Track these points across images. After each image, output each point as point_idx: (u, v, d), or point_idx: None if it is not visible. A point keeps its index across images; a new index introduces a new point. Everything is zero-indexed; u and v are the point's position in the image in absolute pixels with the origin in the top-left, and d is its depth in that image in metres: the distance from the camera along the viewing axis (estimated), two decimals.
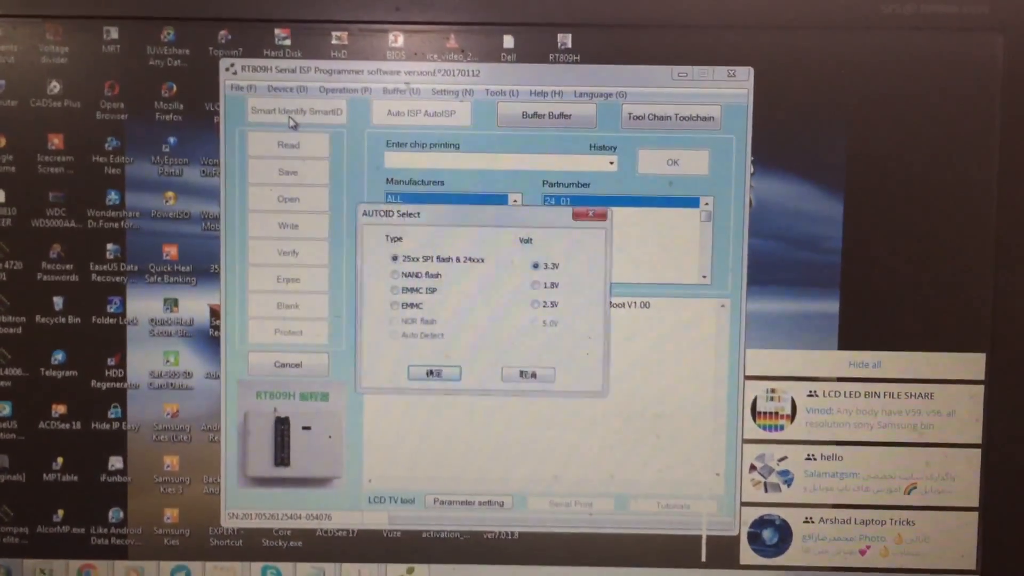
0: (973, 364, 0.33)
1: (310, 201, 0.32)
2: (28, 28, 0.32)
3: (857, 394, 0.33)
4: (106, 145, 0.32)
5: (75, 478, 0.33)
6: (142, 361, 0.33)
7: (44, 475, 0.33)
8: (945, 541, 0.33)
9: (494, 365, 0.33)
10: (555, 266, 0.32)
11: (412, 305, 0.32)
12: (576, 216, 0.32)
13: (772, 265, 0.32)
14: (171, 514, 0.33)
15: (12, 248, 0.32)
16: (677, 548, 0.33)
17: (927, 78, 0.32)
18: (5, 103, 0.32)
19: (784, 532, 0.33)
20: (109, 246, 0.32)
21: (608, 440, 0.33)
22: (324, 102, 0.32)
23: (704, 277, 0.32)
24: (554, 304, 0.33)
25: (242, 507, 0.33)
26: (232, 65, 0.32)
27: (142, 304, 0.32)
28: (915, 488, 0.33)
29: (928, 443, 0.33)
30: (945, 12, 0.32)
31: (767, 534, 0.33)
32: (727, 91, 0.32)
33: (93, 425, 0.33)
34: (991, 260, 0.32)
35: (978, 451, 0.33)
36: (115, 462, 0.33)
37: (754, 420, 0.33)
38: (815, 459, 0.33)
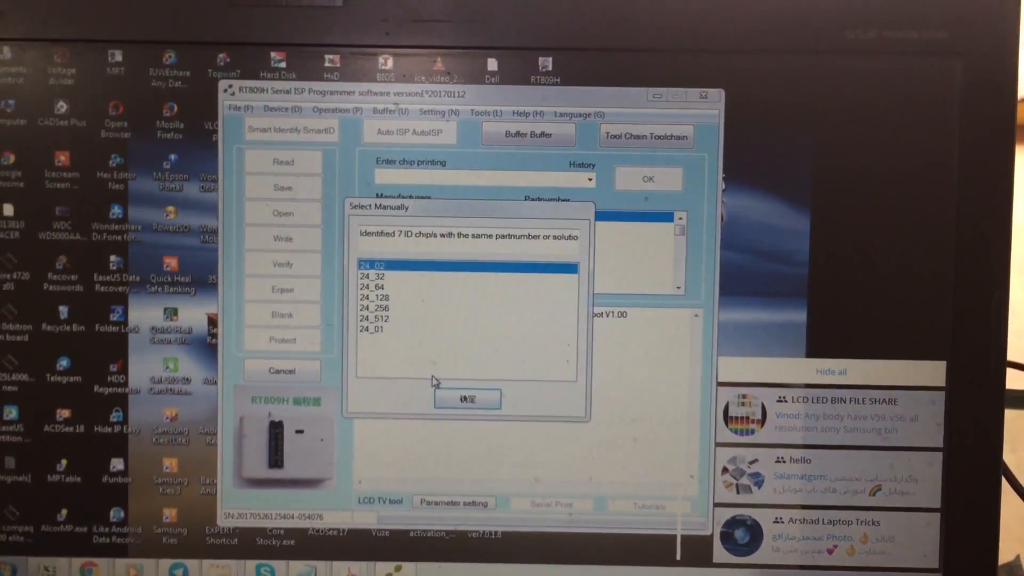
0: (934, 371, 0.34)
1: (303, 215, 0.34)
2: (36, 51, 0.33)
3: (824, 400, 0.34)
4: (110, 162, 0.34)
5: (78, 479, 0.34)
6: (143, 367, 0.34)
7: (49, 476, 0.34)
8: (909, 540, 0.34)
9: (478, 372, 0.34)
10: None
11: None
12: None
13: (743, 277, 0.34)
14: (170, 514, 0.35)
15: (20, 259, 0.34)
16: (653, 547, 0.35)
17: (889, 99, 0.33)
18: (14, 122, 0.33)
19: (755, 532, 0.35)
20: (112, 258, 0.34)
21: (587, 443, 0.34)
22: (317, 121, 0.34)
23: (678, 288, 0.34)
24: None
25: (238, 507, 0.35)
26: (230, 86, 0.34)
27: (143, 313, 0.34)
28: (880, 490, 0.34)
29: (892, 447, 0.34)
30: (905, 37, 0.33)
31: (739, 534, 0.35)
32: (699, 112, 0.34)
33: (96, 428, 0.34)
34: (951, 273, 0.33)
35: (939, 454, 0.34)
36: (116, 464, 0.34)
37: (726, 425, 0.34)
38: (784, 462, 0.34)
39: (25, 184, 0.34)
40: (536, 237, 0.34)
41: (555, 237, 0.34)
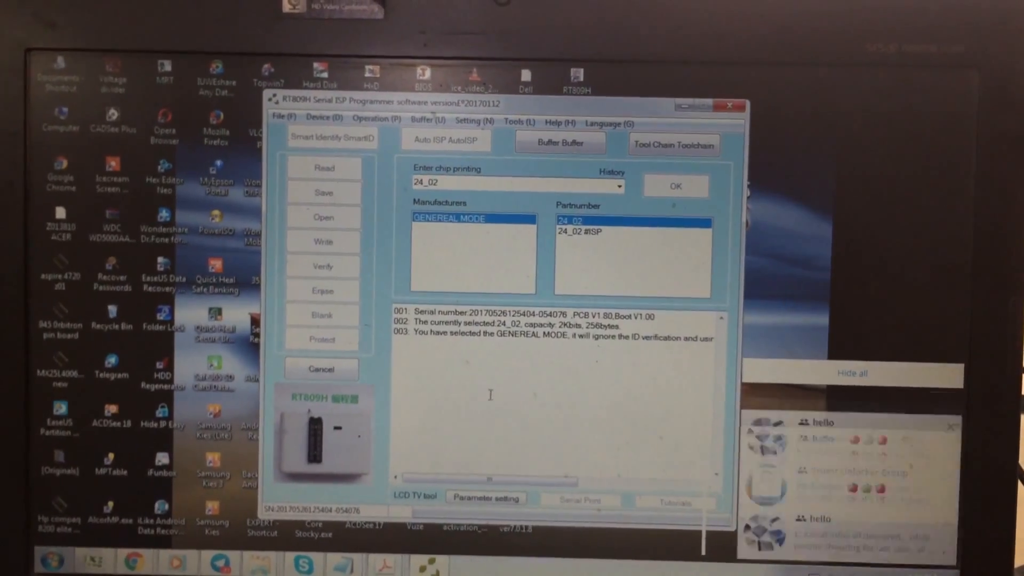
0: (953, 374, 0.35)
1: (343, 219, 0.35)
2: (89, 61, 0.35)
3: None
4: (159, 167, 0.35)
5: (124, 472, 0.35)
6: (188, 365, 0.35)
7: (96, 469, 0.35)
8: (928, 538, 0.35)
9: (510, 371, 0.35)
10: None
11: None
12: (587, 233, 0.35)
13: (767, 281, 0.35)
14: (212, 506, 0.36)
15: (71, 260, 0.35)
16: (679, 542, 0.36)
17: (909, 110, 0.34)
18: (67, 128, 0.35)
19: (779, 528, 0.36)
20: (160, 259, 0.35)
21: (615, 441, 0.35)
22: (357, 129, 0.35)
23: (704, 291, 0.35)
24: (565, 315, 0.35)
25: (277, 500, 0.36)
26: (274, 95, 0.35)
27: (189, 312, 0.35)
28: (899, 487, 0.35)
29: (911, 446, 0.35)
30: (925, 51, 0.34)
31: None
32: (726, 121, 0.35)
33: (142, 423, 0.35)
34: (969, 278, 0.35)
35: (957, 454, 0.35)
36: (162, 458, 0.35)
37: (749, 447, 0.35)
38: (806, 472, 0.36)
39: (77, 188, 0.35)
40: None
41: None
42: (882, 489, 0.35)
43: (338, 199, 0.35)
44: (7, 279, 0.35)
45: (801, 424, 0.35)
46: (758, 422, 0.35)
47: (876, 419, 0.35)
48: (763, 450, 0.35)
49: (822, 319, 0.35)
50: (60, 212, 0.35)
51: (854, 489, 0.35)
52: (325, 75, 0.35)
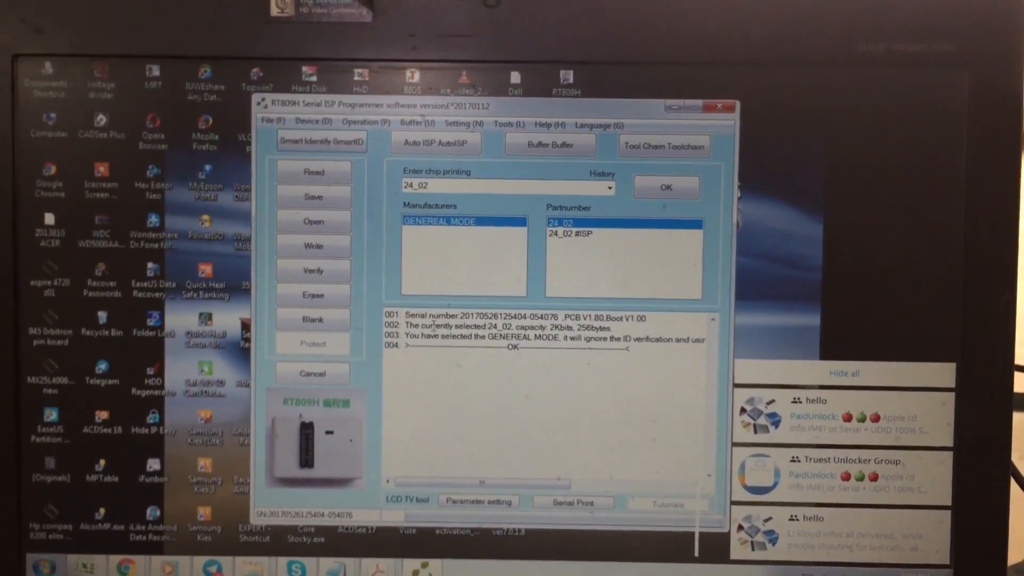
0: (944, 373, 0.35)
1: (333, 223, 0.35)
2: (77, 66, 0.35)
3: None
4: (147, 172, 0.35)
5: (116, 479, 0.35)
6: (179, 370, 0.35)
7: (87, 476, 0.35)
8: (921, 538, 0.35)
9: (502, 373, 0.35)
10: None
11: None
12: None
13: (758, 282, 0.35)
14: (204, 512, 0.36)
15: (60, 267, 0.35)
16: (672, 544, 0.36)
17: (899, 109, 0.34)
18: (55, 134, 0.35)
19: (771, 529, 0.36)
20: (149, 265, 0.35)
21: (608, 443, 0.35)
22: (347, 133, 0.35)
23: (696, 292, 0.35)
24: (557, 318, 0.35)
25: (270, 506, 0.36)
26: (263, 99, 0.35)
27: (179, 318, 0.35)
28: (894, 487, 0.35)
29: (903, 446, 0.35)
30: (915, 50, 0.34)
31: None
32: (715, 122, 0.35)
33: (133, 430, 0.35)
34: (960, 277, 0.34)
35: (950, 453, 0.35)
36: (153, 464, 0.35)
37: (743, 425, 0.35)
38: (799, 461, 0.36)
39: (66, 194, 0.35)
40: None
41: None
42: (875, 477, 0.35)
43: (328, 203, 0.35)
44: None
45: (794, 402, 0.35)
46: (751, 400, 0.35)
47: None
48: (756, 428, 0.35)
49: (813, 319, 0.35)
50: (49, 218, 0.35)
51: (846, 477, 0.35)
52: (314, 79, 0.35)
